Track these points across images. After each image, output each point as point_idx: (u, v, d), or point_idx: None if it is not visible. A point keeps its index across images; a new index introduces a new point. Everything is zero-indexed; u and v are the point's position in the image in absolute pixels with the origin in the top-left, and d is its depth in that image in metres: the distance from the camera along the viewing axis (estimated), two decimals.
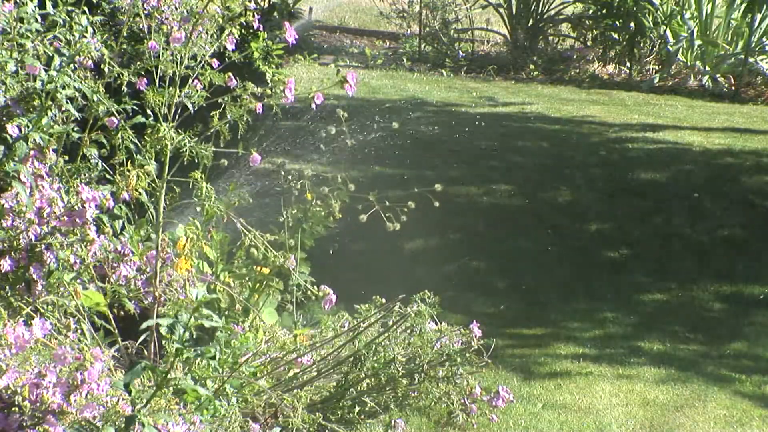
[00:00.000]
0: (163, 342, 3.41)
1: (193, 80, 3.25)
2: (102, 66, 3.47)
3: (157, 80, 3.27)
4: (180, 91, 3.22)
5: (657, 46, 10.60)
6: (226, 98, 3.26)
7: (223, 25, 3.27)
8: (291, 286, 4.02)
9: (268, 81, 3.33)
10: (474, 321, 3.88)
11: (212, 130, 3.27)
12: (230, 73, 3.31)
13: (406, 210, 3.64)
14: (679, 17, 10.38)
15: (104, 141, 3.60)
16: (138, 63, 3.31)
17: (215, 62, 3.32)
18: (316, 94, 3.25)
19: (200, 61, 3.27)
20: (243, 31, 3.36)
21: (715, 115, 8.96)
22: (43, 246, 3.11)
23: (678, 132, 8.17)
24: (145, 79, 3.29)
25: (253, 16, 3.30)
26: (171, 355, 2.61)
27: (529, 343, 4.82)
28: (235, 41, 3.36)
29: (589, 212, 6.45)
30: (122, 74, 3.29)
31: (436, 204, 3.77)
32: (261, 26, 3.64)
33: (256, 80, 3.55)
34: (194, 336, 3.55)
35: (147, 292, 3.46)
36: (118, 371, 3.33)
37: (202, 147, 3.23)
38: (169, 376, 2.62)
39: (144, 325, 2.88)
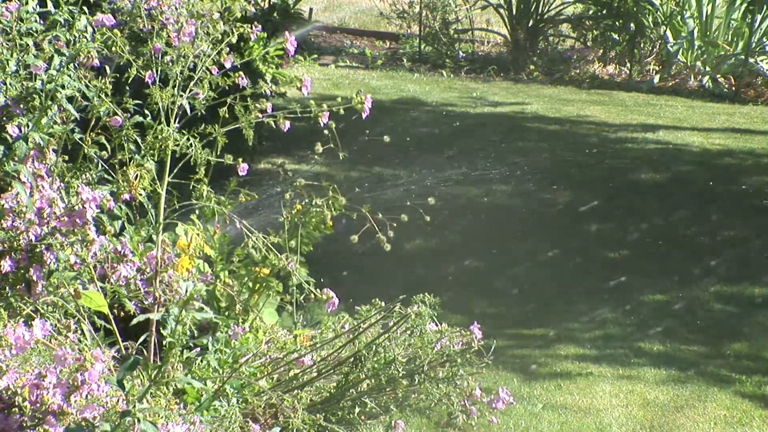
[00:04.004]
0: (164, 342, 3.41)
1: (195, 82, 3.25)
2: (105, 65, 3.47)
3: (157, 81, 3.27)
4: (182, 93, 3.22)
5: (657, 47, 10.61)
6: (233, 98, 3.26)
7: (224, 28, 3.27)
8: (291, 287, 4.02)
9: (267, 81, 3.34)
10: (474, 322, 3.88)
11: (218, 132, 3.27)
12: (241, 73, 3.31)
13: (395, 225, 3.65)
14: (679, 17, 10.39)
15: (105, 141, 3.60)
16: (140, 61, 3.30)
17: (215, 69, 3.32)
18: (323, 114, 3.30)
19: (203, 63, 3.27)
20: (243, 32, 3.36)
21: (715, 115, 8.96)
22: (43, 246, 3.11)
23: (678, 132, 8.17)
24: (150, 72, 3.29)
25: (252, 27, 3.32)
26: (166, 349, 2.60)
27: (529, 344, 4.82)
28: (233, 41, 3.36)
29: (589, 212, 6.45)
30: (131, 64, 3.27)
31: (427, 218, 3.78)
32: (261, 27, 3.64)
33: (255, 80, 3.55)
34: (195, 335, 3.56)
35: (147, 292, 3.46)
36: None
37: (203, 152, 3.22)
38: (164, 371, 2.61)
39: (134, 321, 2.87)
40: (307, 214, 3.96)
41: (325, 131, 3.45)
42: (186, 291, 2.57)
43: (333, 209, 3.85)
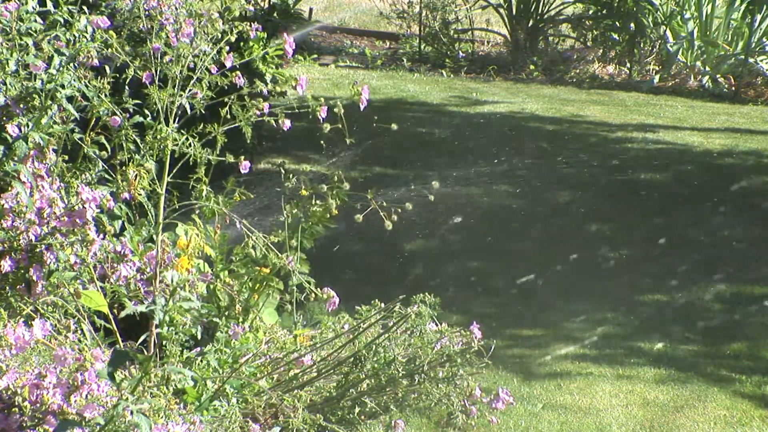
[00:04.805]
0: (164, 342, 3.42)
1: (194, 81, 3.25)
2: (105, 65, 3.47)
3: (157, 81, 3.27)
4: (182, 92, 3.22)
5: (657, 47, 10.61)
6: (232, 98, 3.26)
7: (223, 27, 3.27)
8: (291, 287, 4.02)
9: (267, 82, 3.34)
10: (474, 322, 3.88)
11: (218, 131, 3.27)
12: (238, 72, 3.31)
13: (400, 210, 3.63)
14: (679, 17, 10.38)
15: (104, 141, 3.60)
16: (137, 62, 3.29)
17: (214, 68, 3.32)
18: (322, 108, 3.29)
19: (202, 63, 3.27)
20: (242, 30, 3.36)
21: (715, 115, 8.96)
22: (43, 246, 3.11)
23: (678, 132, 8.17)
24: (148, 72, 3.28)
25: (250, 25, 3.32)
26: (167, 348, 2.60)
27: (529, 344, 4.82)
28: (232, 40, 3.36)
29: (589, 212, 6.45)
30: (128, 66, 3.27)
31: (431, 197, 3.76)
32: (261, 27, 3.64)
33: (254, 80, 3.55)
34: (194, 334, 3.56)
35: (147, 292, 3.46)
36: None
37: (203, 151, 3.22)
38: (155, 363, 2.61)
39: (123, 313, 2.87)
40: (310, 206, 3.94)
41: (325, 130, 3.45)
42: (172, 280, 2.57)
43: (337, 198, 3.84)
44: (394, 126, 3.78)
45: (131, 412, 2.40)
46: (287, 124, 3.30)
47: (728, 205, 6.59)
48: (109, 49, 3.33)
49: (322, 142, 3.50)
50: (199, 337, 3.53)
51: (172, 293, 2.57)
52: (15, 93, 3.29)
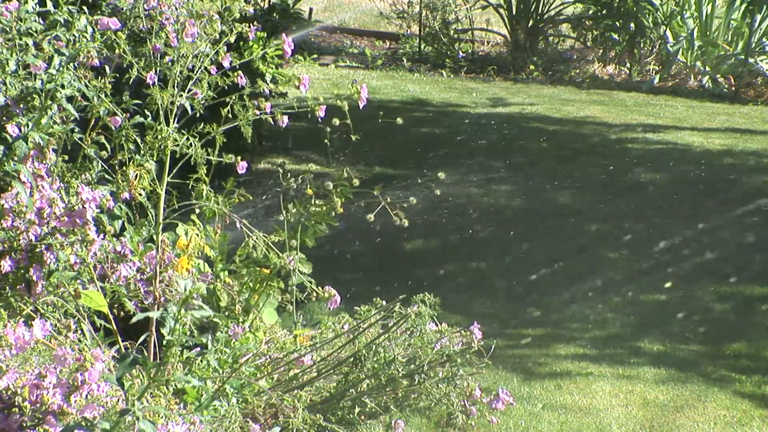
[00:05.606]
0: (163, 342, 3.41)
1: (194, 82, 3.25)
2: (105, 65, 3.47)
3: (157, 81, 3.27)
4: (182, 93, 3.22)
5: (657, 47, 10.61)
6: (233, 98, 3.26)
7: (222, 28, 3.27)
8: (291, 286, 4.02)
9: (267, 81, 3.34)
10: (474, 322, 3.88)
11: (217, 131, 3.27)
12: (240, 72, 3.31)
13: (405, 206, 3.63)
14: (679, 17, 10.39)
15: (105, 141, 3.60)
16: (143, 62, 3.29)
17: (213, 69, 3.32)
18: (320, 108, 3.30)
19: (201, 63, 3.27)
20: (242, 31, 3.36)
21: (715, 115, 8.96)
22: (43, 246, 3.11)
23: (678, 132, 8.17)
24: (151, 73, 3.28)
25: (251, 26, 3.32)
26: (166, 348, 2.60)
27: (528, 344, 4.82)
28: (231, 41, 3.36)
29: (589, 212, 6.45)
30: (132, 64, 3.27)
31: (437, 192, 3.76)
32: (260, 27, 3.64)
33: (254, 80, 3.55)
34: (195, 335, 3.56)
35: (147, 292, 3.46)
36: None
37: (202, 151, 3.22)
38: (163, 370, 2.61)
39: (134, 319, 2.87)
40: (311, 206, 3.93)
41: (327, 128, 3.46)
42: (185, 289, 2.57)
43: (342, 196, 3.83)
44: (400, 120, 3.79)
45: (138, 419, 2.40)
46: (285, 120, 3.31)
47: (728, 204, 6.59)
48: (115, 51, 3.33)
49: (326, 141, 3.51)
50: (210, 346, 3.53)
51: (184, 301, 2.56)
52: (15, 93, 3.29)
